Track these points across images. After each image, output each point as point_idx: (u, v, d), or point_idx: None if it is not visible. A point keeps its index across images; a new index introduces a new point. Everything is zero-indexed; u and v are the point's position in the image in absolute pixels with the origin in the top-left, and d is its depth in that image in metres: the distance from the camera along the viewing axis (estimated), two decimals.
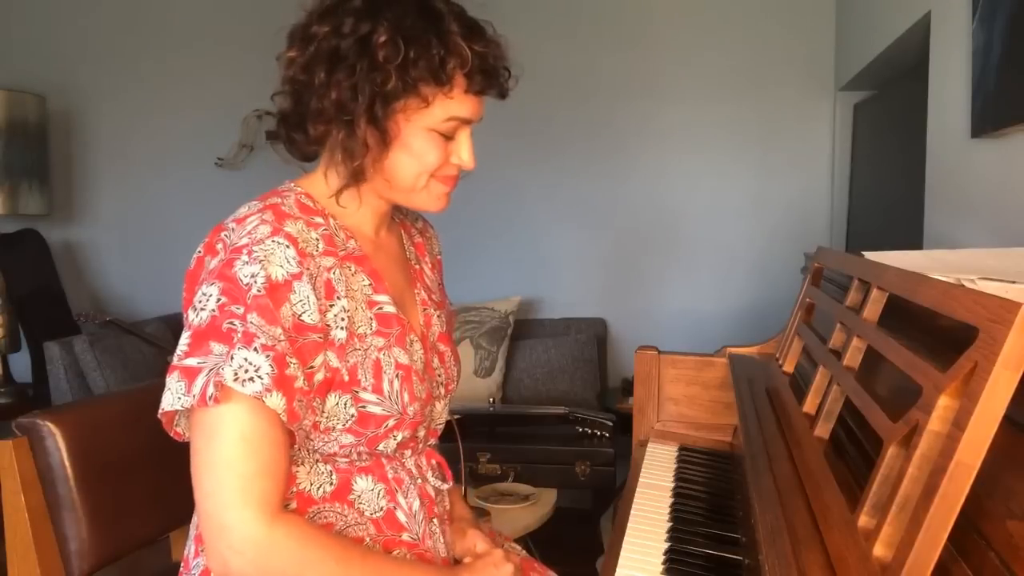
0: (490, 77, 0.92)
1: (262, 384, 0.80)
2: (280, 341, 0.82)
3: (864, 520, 0.68)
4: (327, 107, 0.89)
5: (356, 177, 0.93)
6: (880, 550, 0.63)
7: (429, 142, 0.93)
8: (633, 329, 3.34)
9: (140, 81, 3.53)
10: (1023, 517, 0.56)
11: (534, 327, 3.31)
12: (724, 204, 3.27)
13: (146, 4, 3.52)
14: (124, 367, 2.70)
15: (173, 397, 0.82)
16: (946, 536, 0.56)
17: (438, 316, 1.09)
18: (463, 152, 0.96)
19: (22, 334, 3.12)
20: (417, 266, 1.11)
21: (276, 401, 0.80)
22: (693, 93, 3.25)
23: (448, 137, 0.94)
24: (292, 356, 0.83)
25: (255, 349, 0.80)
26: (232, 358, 0.80)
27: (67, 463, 1.05)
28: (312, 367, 0.87)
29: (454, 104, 0.91)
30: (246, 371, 0.80)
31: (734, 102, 3.22)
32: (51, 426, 1.05)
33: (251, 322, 0.81)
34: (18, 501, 1.02)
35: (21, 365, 3.19)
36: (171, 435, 0.88)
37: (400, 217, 1.14)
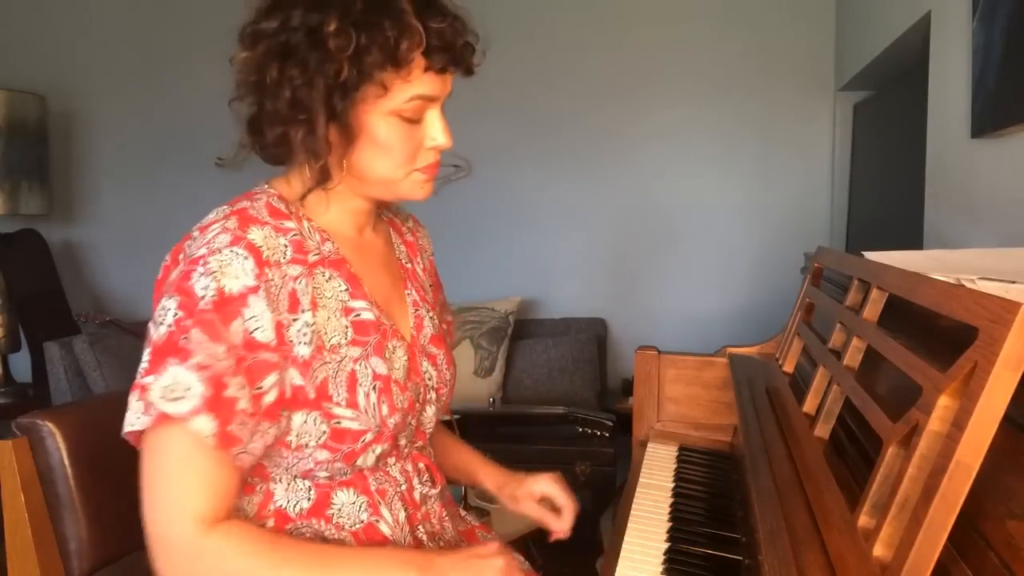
0: (450, 54, 0.87)
1: (190, 405, 0.76)
2: (220, 360, 0.77)
3: (864, 520, 0.68)
4: (281, 107, 0.84)
5: (322, 178, 0.88)
6: (880, 550, 0.63)
7: (395, 130, 0.87)
8: (633, 329, 3.34)
9: (140, 81, 3.53)
10: (1023, 517, 0.56)
11: (534, 327, 3.31)
12: (724, 204, 3.27)
13: (146, 4, 3.52)
14: (124, 367, 2.70)
15: (133, 416, 0.79)
16: (946, 536, 0.56)
17: (430, 317, 1.04)
18: (434, 131, 0.90)
19: (22, 334, 3.12)
20: (408, 265, 1.06)
21: (202, 424, 0.76)
22: (693, 93, 3.25)
23: (414, 120, 0.89)
24: (234, 375, 0.78)
25: (188, 367, 0.76)
26: (161, 375, 0.76)
27: (67, 463, 1.05)
28: (261, 388, 0.81)
29: (414, 85, 0.86)
30: (173, 391, 0.76)
31: (734, 102, 3.22)
32: (51, 426, 1.04)
33: (192, 338, 0.76)
34: (18, 501, 1.02)
35: (21, 365, 3.20)
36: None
37: (388, 215, 1.09)
